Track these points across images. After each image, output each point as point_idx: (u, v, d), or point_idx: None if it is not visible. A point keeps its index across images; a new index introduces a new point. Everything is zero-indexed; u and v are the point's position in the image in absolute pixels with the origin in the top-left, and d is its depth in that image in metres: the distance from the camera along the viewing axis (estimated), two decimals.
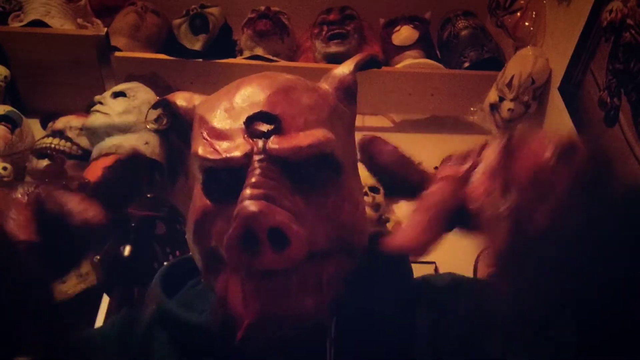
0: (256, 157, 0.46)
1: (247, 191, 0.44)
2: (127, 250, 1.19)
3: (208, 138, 0.49)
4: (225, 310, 0.47)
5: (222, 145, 0.48)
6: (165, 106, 0.58)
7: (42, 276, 0.36)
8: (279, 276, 0.45)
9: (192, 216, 0.51)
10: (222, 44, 1.86)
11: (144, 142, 1.51)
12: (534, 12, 1.74)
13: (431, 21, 1.97)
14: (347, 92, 0.57)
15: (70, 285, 1.22)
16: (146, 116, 0.61)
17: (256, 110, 0.48)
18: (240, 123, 0.48)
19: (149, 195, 1.30)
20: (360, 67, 0.58)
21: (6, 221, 0.36)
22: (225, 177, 0.48)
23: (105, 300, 1.23)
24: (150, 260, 1.20)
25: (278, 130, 0.48)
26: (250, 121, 0.48)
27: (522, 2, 1.75)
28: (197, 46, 1.78)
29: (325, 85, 0.56)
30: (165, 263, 1.14)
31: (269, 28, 1.82)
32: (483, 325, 0.49)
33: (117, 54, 1.82)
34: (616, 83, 1.33)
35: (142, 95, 1.55)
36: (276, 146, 0.47)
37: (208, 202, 0.49)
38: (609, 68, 1.37)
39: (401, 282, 0.57)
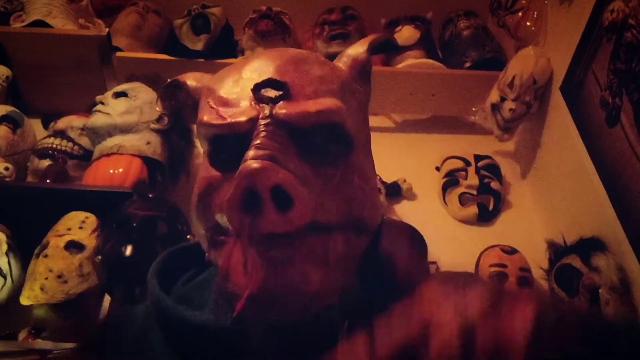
0: (262, 122, 0.45)
1: (251, 152, 0.42)
2: (128, 250, 1.19)
3: (214, 106, 0.48)
4: (227, 284, 0.45)
5: (228, 111, 0.47)
6: (176, 86, 0.57)
7: None
8: (283, 245, 0.43)
9: (196, 189, 0.49)
10: (224, 44, 1.86)
11: (146, 142, 1.51)
12: (535, 12, 1.74)
13: (433, 21, 1.97)
14: (362, 71, 0.55)
15: (72, 285, 1.22)
16: (159, 96, 0.60)
17: (264, 77, 0.47)
18: (247, 91, 0.47)
19: (150, 195, 1.30)
20: (374, 47, 0.57)
21: None
22: (231, 145, 0.47)
23: (107, 300, 1.23)
24: (152, 260, 1.20)
25: (286, 97, 0.46)
26: (258, 88, 0.47)
27: (523, 2, 1.75)
28: (199, 46, 1.78)
29: (339, 64, 0.55)
30: None
31: (270, 28, 1.82)
32: None
33: (119, 54, 1.82)
34: (618, 83, 1.33)
35: (143, 95, 1.55)
36: (283, 111, 0.45)
37: (213, 172, 0.48)
38: (610, 68, 1.37)
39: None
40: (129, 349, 0.56)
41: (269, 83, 0.47)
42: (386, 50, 0.58)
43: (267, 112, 0.45)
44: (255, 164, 0.41)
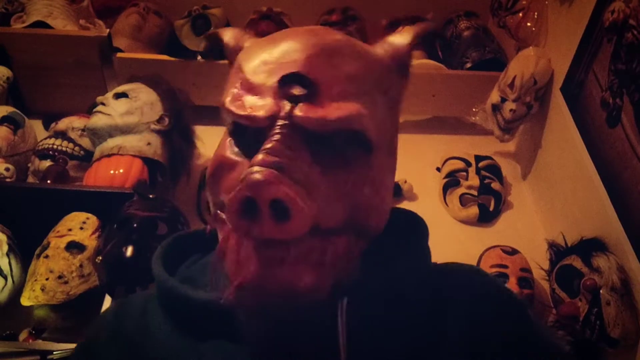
0: (279, 122, 0.44)
1: (260, 156, 0.42)
2: (129, 250, 1.19)
3: (239, 89, 0.48)
4: (221, 265, 0.46)
5: (250, 100, 0.46)
6: (214, 40, 0.57)
7: None
8: (278, 245, 0.43)
9: (213, 164, 0.50)
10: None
11: (146, 142, 1.51)
12: (536, 13, 1.74)
13: (433, 21, 1.97)
14: (401, 63, 0.53)
15: (73, 286, 1.22)
16: (203, 46, 0.61)
17: (293, 69, 0.46)
18: (274, 80, 0.46)
19: (151, 196, 1.30)
20: (419, 39, 0.55)
21: None
22: (247, 133, 0.47)
23: (108, 300, 1.23)
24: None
25: (310, 96, 0.45)
26: (285, 81, 0.46)
27: (524, 2, 1.75)
28: (199, 47, 1.78)
29: (380, 51, 0.53)
30: None
31: (270, 29, 1.82)
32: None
33: (119, 55, 1.82)
34: (618, 83, 1.33)
35: (144, 96, 1.55)
36: (302, 114, 0.44)
37: (227, 153, 0.48)
38: (611, 68, 1.37)
39: (418, 264, 0.56)
40: (131, 329, 0.56)
41: (295, 78, 0.46)
42: (428, 38, 0.56)
43: (287, 110, 0.45)
44: (259, 175, 0.41)
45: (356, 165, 0.47)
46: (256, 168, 0.41)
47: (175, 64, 1.82)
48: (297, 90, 0.45)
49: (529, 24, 1.74)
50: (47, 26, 1.76)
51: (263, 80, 0.47)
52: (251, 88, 0.47)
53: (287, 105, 0.45)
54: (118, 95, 1.55)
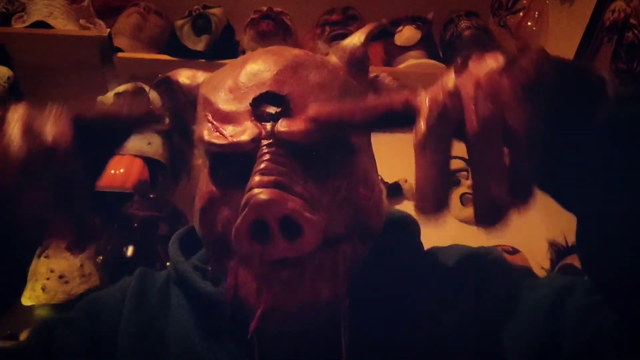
0: (264, 142, 0.44)
1: (257, 178, 0.42)
2: (129, 250, 1.19)
3: (213, 121, 0.47)
4: (237, 299, 0.45)
5: (228, 129, 0.46)
6: (167, 84, 0.56)
7: (80, 175, 0.39)
8: (291, 265, 0.43)
9: (198, 202, 0.49)
10: (225, 45, 1.86)
11: (147, 142, 1.51)
12: (536, 12, 1.73)
13: (434, 21, 1.97)
14: (359, 65, 0.54)
15: (74, 286, 1.23)
16: (155, 90, 0.58)
17: (263, 90, 0.46)
18: (246, 104, 0.46)
19: (151, 196, 1.30)
20: (371, 38, 0.56)
21: (45, 130, 0.38)
22: (233, 162, 0.46)
23: None
24: (153, 260, 1.20)
25: (286, 112, 0.45)
26: (257, 102, 0.46)
27: (524, 2, 1.75)
28: (200, 47, 1.78)
29: (334, 59, 0.54)
30: (167, 264, 1.15)
31: (271, 29, 1.82)
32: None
33: (120, 54, 1.82)
34: (619, 83, 1.33)
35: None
36: (285, 129, 0.44)
37: (214, 188, 0.47)
38: (611, 68, 1.36)
39: (412, 259, 0.56)
40: (151, 303, 0.57)
41: (268, 97, 0.46)
42: (382, 36, 0.57)
43: (268, 129, 0.44)
44: (263, 195, 0.40)
45: (345, 169, 0.47)
46: (257, 190, 0.41)
47: (176, 63, 1.81)
48: (271, 109, 0.45)
49: (529, 24, 1.74)
50: (48, 26, 1.76)
51: (235, 107, 0.47)
52: (225, 117, 0.47)
53: (267, 125, 0.45)
54: (119, 95, 1.55)
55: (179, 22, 1.83)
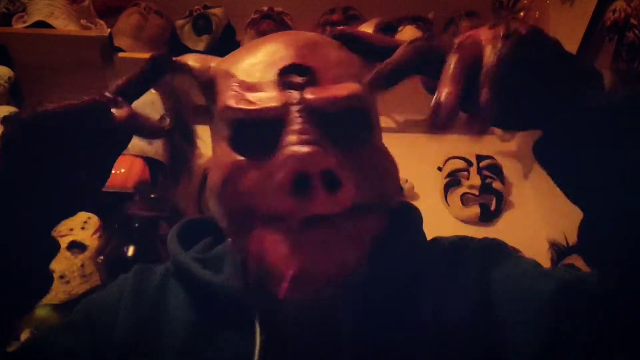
0: (293, 108, 0.45)
1: (294, 137, 0.43)
2: (130, 250, 1.19)
3: (239, 90, 0.47)
4: (262, 267, 0.45)
5: (256, 95, 0.46)
6: (177, 68, 0.55)
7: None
8: (320, 228, 0.44)
9: (220, 174, 0.48)
10: (225, 45, 1.86)
11: (148, 142, 1.51)
12: (537, 12, 1.73)
13: (434, 21, 1.97)
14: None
15: (74, 286, 1.23)
16: (148, 69, 0.56)
17: (287, 63, 0.47)
18: (270, 76, 0.47)
19: (152, 196, 1.30)
20: (380, 28, 0.57)
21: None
22: (256, 131, 0.46)
23: None
24: (154, 260, 1.20)
25: (312, 82, 0.46)
26: (283, 73, 0.46)
27: (525, 2, 1.75)
28: (200, 47, 1.78)
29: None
30: None
31: (271, 29, 1.82)
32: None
33: (121, 54, 1.82)
34: (620, 82, 1.33)
35: (144, 96, 1.55)
36: (313, 96, 0.45)
37: (237, 156, 0.47)
38: (612, 68, 1.36)
39: (415, 246, 0.56)
40: (149, 299, 0.57)
41: (293, 68, 0.47)
42: (386, 32, 0.58)
43: (297, 97, 0.45)
44: (305, 149, 0.42)
45: (367, 141, 0.49)
46: (297, 146, 0.42)
47: None
48: (298, 79, 0.46)
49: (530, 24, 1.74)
50: (49, 26, 1.76)
51: (259, 77, 0.47)
52: (250, 87, 0.47)
53: (295, 92, 0.46)
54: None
55: (180, 22, 1.84)
